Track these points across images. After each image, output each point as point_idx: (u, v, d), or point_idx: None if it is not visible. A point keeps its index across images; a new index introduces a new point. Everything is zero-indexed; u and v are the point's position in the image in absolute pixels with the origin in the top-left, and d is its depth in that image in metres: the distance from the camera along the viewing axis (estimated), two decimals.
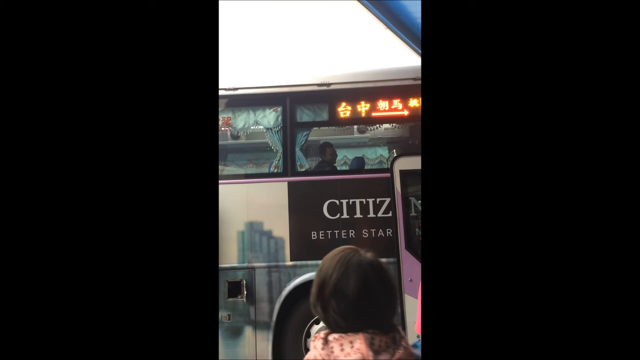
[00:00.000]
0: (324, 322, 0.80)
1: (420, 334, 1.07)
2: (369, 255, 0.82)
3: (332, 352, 0.74)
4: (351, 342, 0.74)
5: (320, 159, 3.79)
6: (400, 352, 0.73)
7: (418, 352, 0.78)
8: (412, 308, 2.84)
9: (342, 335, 0.75)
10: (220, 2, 0.93)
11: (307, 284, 2.97)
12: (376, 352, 0.73)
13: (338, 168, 3.77)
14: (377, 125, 3.64)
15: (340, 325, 0.77)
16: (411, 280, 2.87)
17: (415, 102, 3.29)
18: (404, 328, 2.87)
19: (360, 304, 0.75)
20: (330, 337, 0.76)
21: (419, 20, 3.44)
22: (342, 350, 0.73)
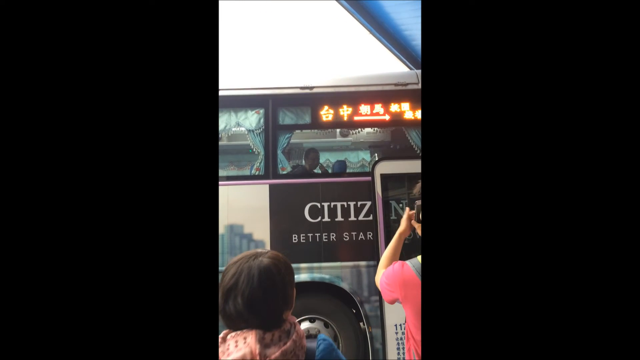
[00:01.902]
0: (224, 321, 0.87)
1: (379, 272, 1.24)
2: (266, 259, 0.88)
3: (228, 348, 0.81)
4: (245, 338, 0.81)
5: (299, 164, 3.79)
6: (288, 344, 0.81)
7: (312, 343, 0.87)
8: (389, 308, 2.87)
9: (238, 332, 0.83)
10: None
11: None
12: (266, 345, 0.80)
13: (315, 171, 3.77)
14: (359, 129, 3.67)
15: (236, 323, 0.84)
16: None
17: (396, 107, 3.34)
18: (383, 321, 2.89)
19: (253, 304, 0.82)
20: (228, 336, 0.83)
21: (403, 28, 3.50)
22: (236, 346, 0.80)
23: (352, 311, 3.12)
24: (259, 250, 0.92)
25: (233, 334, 0.83)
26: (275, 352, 0.79)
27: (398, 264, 1.29)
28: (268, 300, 0.83)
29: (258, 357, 0.78)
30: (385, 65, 3.95)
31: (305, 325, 3.06)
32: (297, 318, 3.06)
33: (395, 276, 1.25)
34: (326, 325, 3.07)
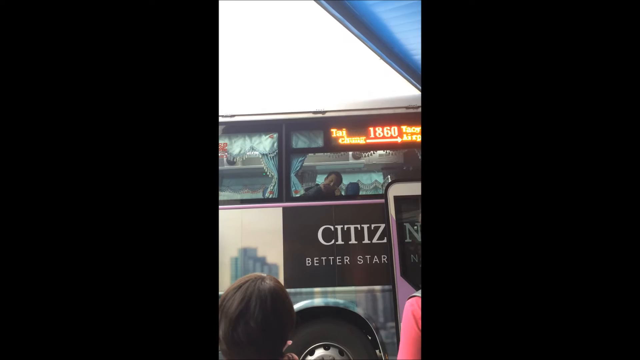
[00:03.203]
0: (232, 350, 0.81)
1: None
2: (271, 282, 0.84)
3: None
4: None
5: (317, 184, 3.80)
6: None
7: None
8: None
9: None
10: (219, 28, 0.96)
11: (302, 312, 2.91)
12: None
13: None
14: (372, 152, 3.70)
15: (246, 352, 0.78)
16: None
17: (408, 130, 3.36)
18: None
19: (266, 328, 0.78)
20: None
21: (413, 52, 3.58)
22: None
23: (367, 338, 3.02)
24: (258, 274, 0.87)
25: None
26: None
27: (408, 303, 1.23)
28: (279, 324, 0.80)
29: None
30: (396, 88, 4.01)
31: (319, 352, 2.98)
32: (312, 344, 2.98)
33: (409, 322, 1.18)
34: (341, 352, 2.98)
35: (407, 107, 3.39)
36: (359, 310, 3.00)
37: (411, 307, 1.17)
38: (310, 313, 2.98)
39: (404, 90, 3.83)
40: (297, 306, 2.96)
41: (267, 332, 0.78)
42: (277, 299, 0.81)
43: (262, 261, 3.11)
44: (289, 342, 0.84)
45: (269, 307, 0.79)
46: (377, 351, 2.99)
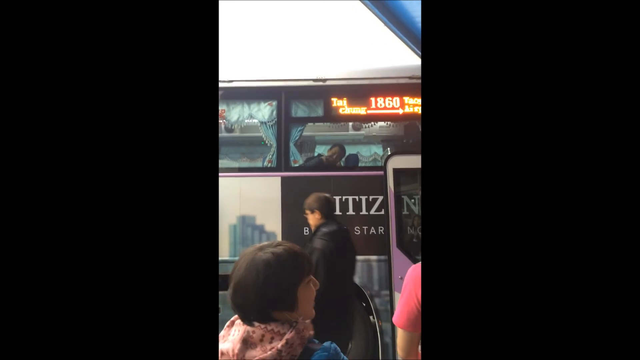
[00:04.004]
0: (235, 312, 0.88)
1: (397, 326, 1.14)
2: (268, 253, 0.86)
3: (227, 334, 0.86)
4: (238, 331, 0.84)
5: (320, 154, 3.77)
6: (269, 353, 0.78)
7: (314, 345, 0.83)
8: None
9: (241, 322, 0.85)
10: None
11: None
12: (251, 345, 0.80)
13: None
14: (372, 123, 3.64)
15: (247, 315, 0.84)
16: (401, 278, 2.89)
17: (411, 101, 3.30)
18: (393, 325, 2.90)
19: (251, 296, 0.83)
20: (237, 322, 0.87)
21: (417, 20, 3.44)
22: (232, 335, 0.84)
23: (362, 304, 3.12)
24: (268, 243, 0.90)
25: (239, 321, 0.86)
26: (254, 355, 0.78)
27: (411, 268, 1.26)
28: (261, 294, 0.82)
29: (235, 358, 0.78)
30: (400, 58, 3.89)
31: None
32: None
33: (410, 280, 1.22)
34: None
35: (410, 77, 3.30)
36: (355, 279, 3.08)
37: (414, 272, 1.20)
38: None
39: (407, 60, 3.72)
40: None
41: (261, 300, 0.82)
42: (269, 270, 0.83)
43: (261, 229, 3.15)
44: (291, 316, 0.85)
45: (261, 277, 0.83)
46: (371, 317, 3.09)
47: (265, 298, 0.82)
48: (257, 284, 0.82)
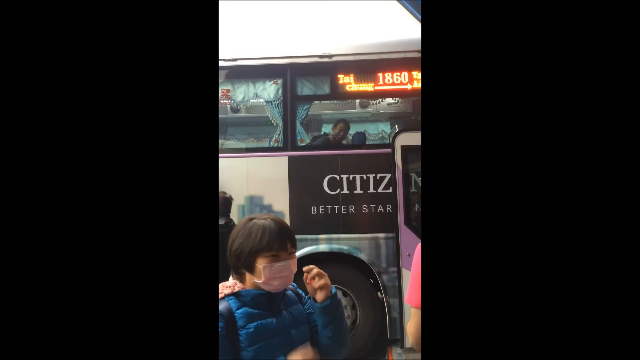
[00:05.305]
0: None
1: (413, 305, 1.07)
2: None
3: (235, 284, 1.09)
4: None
5: (326, 133, 3.74)
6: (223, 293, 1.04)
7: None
8: (407, 279, 2.89)
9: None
10: None
11: (306, 258, 3.02)
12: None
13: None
14: (380, 100, 3.57)
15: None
16: (409, 255, 2.91)
17: (419, 76, 3.21)
18: (400, 292, 2.94)
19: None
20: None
21: None
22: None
23: (369, 281, 3.16)
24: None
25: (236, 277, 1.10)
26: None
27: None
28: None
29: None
30: (408, 31, 3.76)
31: None
32: None
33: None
34: (345, 294, 3.14)
35: (419, 51, 3.20)
36: (363, 256, 3.11)
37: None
38: (316, 258, 3.10)
39: (416, 33, 3.60)
40: (303, 251, 3.06)
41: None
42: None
43: (269, 209, 3.17)
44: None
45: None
46: (379, 293, 3.14)
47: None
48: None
